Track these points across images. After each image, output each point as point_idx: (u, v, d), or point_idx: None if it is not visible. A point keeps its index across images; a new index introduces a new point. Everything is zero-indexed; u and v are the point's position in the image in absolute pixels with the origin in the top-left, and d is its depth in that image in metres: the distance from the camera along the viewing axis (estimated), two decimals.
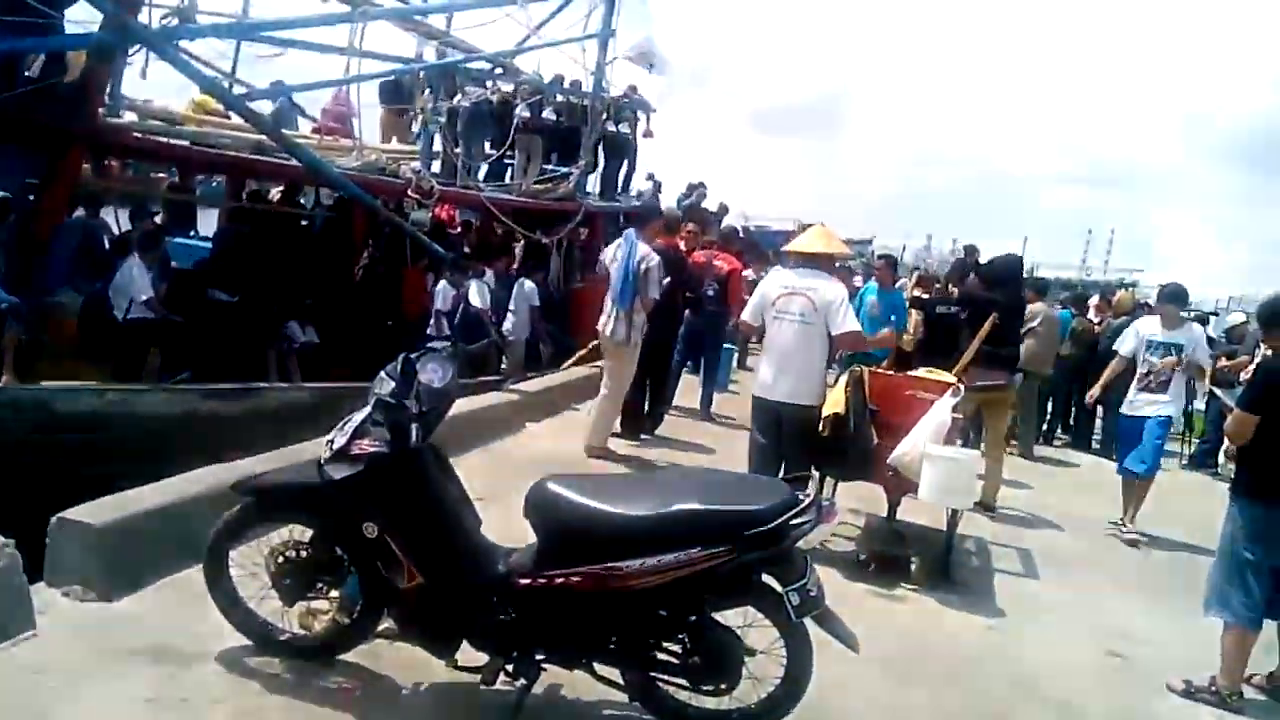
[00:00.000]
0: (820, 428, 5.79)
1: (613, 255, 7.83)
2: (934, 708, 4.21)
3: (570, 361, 11.76)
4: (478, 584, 3.33)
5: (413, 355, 3.38)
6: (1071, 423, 12.24)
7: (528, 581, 3.29)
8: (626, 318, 7.62)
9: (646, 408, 8.73)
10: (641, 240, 7.77)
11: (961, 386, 6.00)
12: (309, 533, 3.55)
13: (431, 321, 11.50)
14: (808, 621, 3.35)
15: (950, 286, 10.90)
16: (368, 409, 3.33)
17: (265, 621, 3.62)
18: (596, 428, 7.84)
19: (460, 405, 7.84)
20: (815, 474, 3.76)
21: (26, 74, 8.59)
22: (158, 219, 11.64)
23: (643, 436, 8.53)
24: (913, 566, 5.83)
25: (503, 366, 11.34)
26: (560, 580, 3.25)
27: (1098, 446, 11.61)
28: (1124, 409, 7.85)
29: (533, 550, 3.36)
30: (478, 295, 3.77)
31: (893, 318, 9.57)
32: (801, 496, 3.32)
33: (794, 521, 3.20)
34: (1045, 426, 11.78)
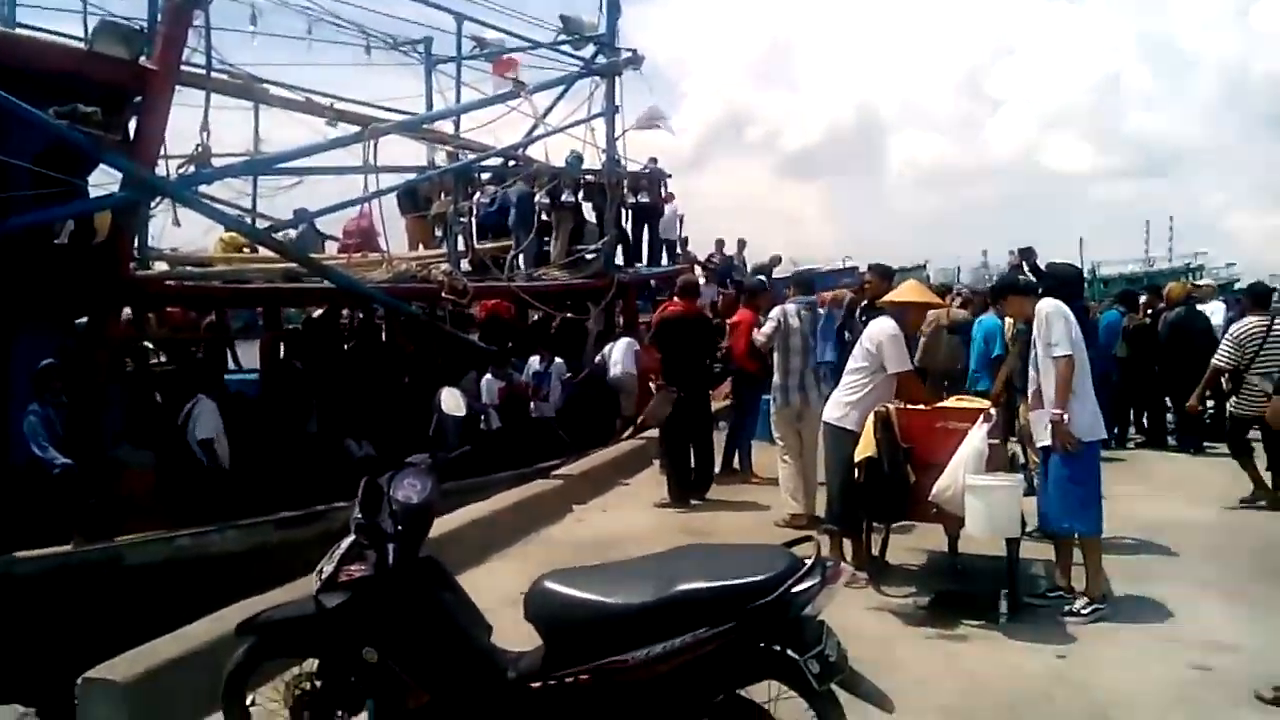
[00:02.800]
0: (855, 475, 5.71)
1: (784, 325, 7.86)
2: None
3: (627, 434, 11.74)
4: (486, 695, 3.26)
5: (385, 476, 3.36)
6: (1145, 423, 11.82)
7: (537, 685, 3.21)
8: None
9: (694, 474, 8.63)
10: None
11: (993, 412, 5.82)
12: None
13: (483, 417, 11.64)
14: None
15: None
16: (353, 535, 3.32)
17: None
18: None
19: (500, 497, 7.90)
20: (819, 535, 3.64)
21: (56, 242, 8.96)
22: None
23: (693, 502, 8.41)
24: (977, 601, 5.61)
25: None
26: (570, 680, 3.16)
27: (1174, 443, 11.24)
28: None
29: (540, 652, 3.29)
30: (450, 401, 3.70)
31: None
32: (806, 561, 3.21)
33: (796, 589, 3.09)
34: (1116, 430, 11.37)
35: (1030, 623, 5.44)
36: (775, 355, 7.94)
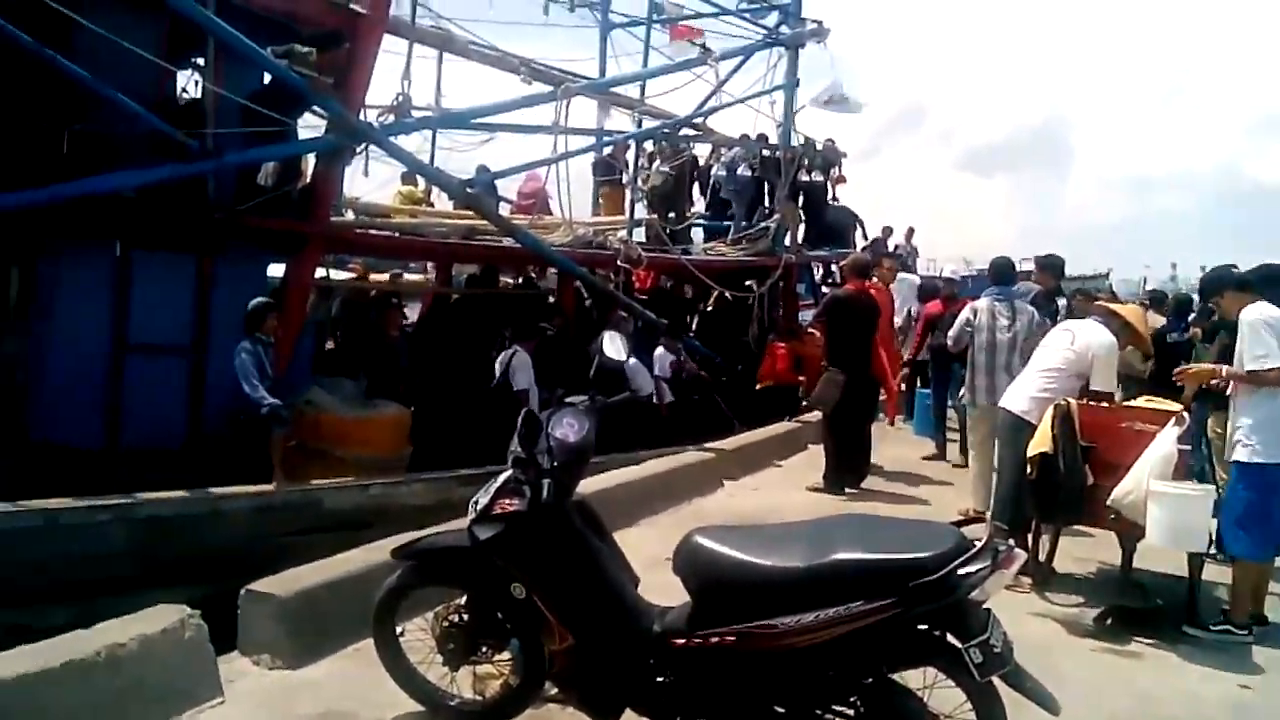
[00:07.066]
0: (1028, 469, 5.40)
1: (987, 322, 7.34)
2: None
3: (789, 417, 11.51)
4: (630, 645, 3.21)
5: (545, 413, 3.35)
6: None
7: (682, 642, 3.13)
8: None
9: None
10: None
11: (1186, 416, 5.39)
12: None
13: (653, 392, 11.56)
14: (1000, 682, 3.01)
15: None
16: (509, 469, 3.32)
17: (436, 687, 3.63)
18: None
19: (653, 465, 7.85)
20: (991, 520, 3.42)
21: (260, 182, 9.11)
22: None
23: (848, 490, 8.18)
24: (1151, 618, 5.23)
25: None
26: (715, 640, 3.07)
27: None
28: None
29: (686, 608, 3.21)
30: (611, 345, 3.57)
31: None
32: (975, 542, 3.01)
33: (963, 571, 2.90)
34: None
35: (1211, 647, 5.03)
36: (969, 352, 7.51)
